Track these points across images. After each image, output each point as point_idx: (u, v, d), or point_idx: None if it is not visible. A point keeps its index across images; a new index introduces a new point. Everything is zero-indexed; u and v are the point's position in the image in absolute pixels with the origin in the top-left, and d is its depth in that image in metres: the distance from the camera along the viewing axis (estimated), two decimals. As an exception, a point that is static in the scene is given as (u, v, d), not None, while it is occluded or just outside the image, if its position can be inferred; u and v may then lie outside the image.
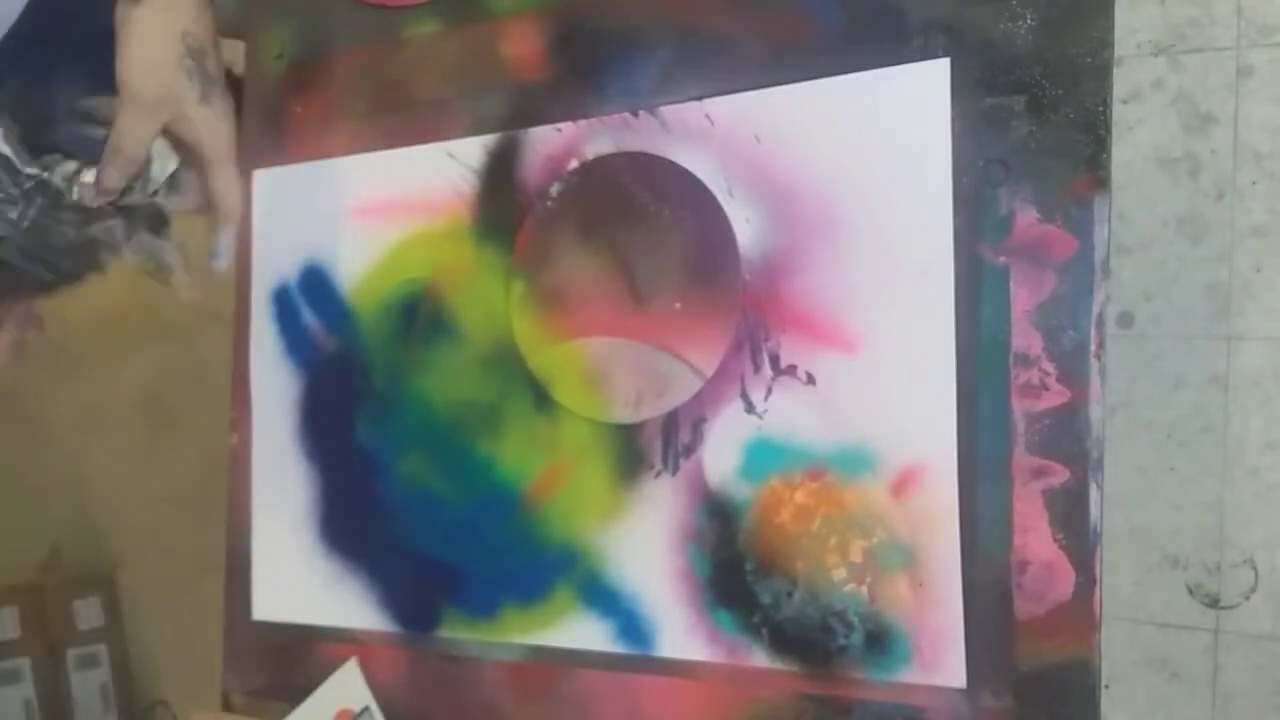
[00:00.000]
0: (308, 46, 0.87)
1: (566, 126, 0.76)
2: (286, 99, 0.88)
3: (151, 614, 2.09)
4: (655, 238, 0.73)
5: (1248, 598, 1.32)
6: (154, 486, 2.10)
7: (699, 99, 0.72)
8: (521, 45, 0.77)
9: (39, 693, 1.96)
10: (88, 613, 2.05)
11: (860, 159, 0.67)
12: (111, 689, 2.05)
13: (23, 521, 2.23)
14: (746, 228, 0.70)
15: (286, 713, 0.81)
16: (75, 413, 2.20)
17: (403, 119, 0.80)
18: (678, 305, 0.72)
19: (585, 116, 0.74)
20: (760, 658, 0.68)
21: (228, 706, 0.87)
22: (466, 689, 0.78)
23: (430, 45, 0.81)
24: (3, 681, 1.94)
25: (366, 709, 0.80)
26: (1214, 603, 1.33)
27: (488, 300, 0.79)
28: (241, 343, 0.88)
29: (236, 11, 0.93)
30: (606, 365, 0.74)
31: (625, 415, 0.73)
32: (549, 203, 0.76)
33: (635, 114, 0.74)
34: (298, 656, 0.85)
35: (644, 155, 0.73)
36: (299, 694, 0.82)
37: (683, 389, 0.72)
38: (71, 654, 2.01)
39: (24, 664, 1.96)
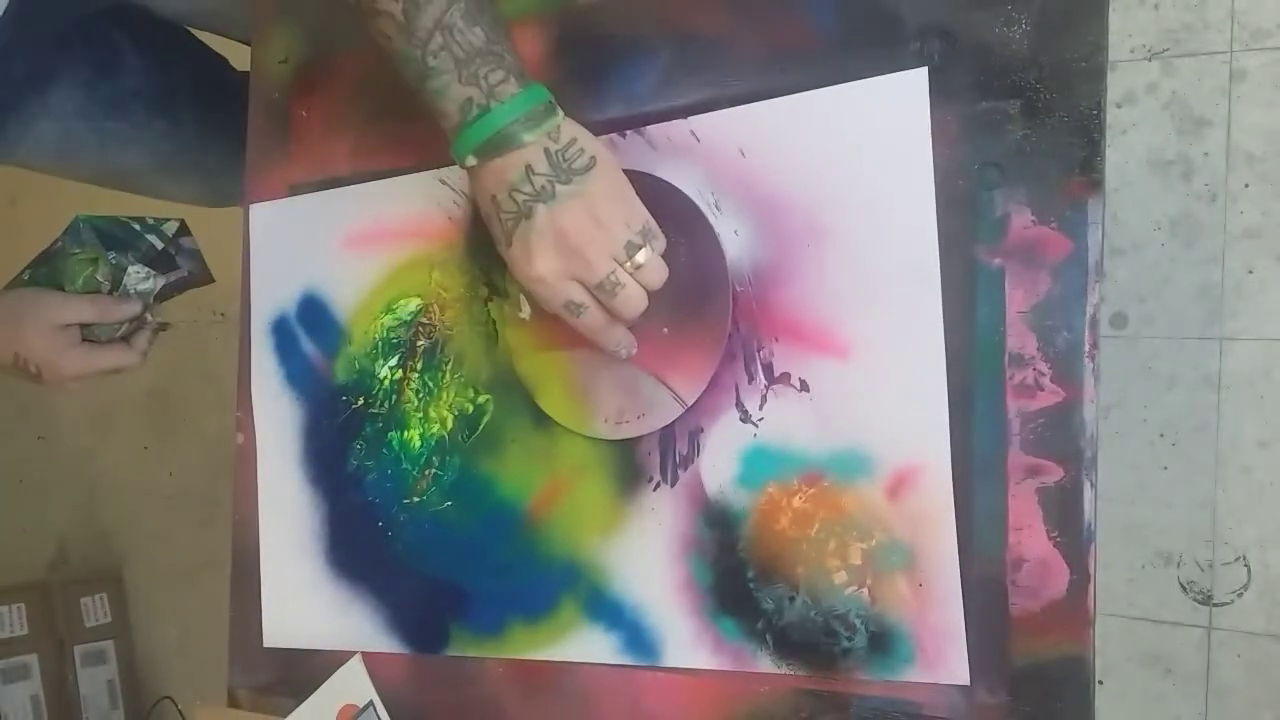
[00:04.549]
0: (312, 51, 0.88)
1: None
2: (291, 103, 0.88)
3: (158, 611, 2.10)
4: None
5: (1240, 595, 1.32)
6: (161, 485, 2.10)
7: (692, 110, 0.72)
8: (524, 50, 0.77)
9: (47, 689, 1.96)
10: (95, 610, 2.05)
11: (845, 169, 0.67)
12: (118, 685, 2.05)
13: (31, 520, 2.23)
14: (735, 240, 0.71)
15: (291, 709, 0.81)
16: (83, 414, 2.20)
17: (406, 123, 0.80)
18: (665, 331, 0.72)
19: (585, 121, 0.74)
20: (765, 664, 0.69)
21: (233, 702, 0.87)
22: (469, 685, 0.78)
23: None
24: (11, 678, 1.94)
25: (370, 705, 0.80)
26: (1207, 600, 1.34)
27: (483, 321, 0.79)
28: (244, 375, 0.89)
29: (241, 14, 0.93)
30: (591, 379, 0.74)
31: (605, 431, 0.74)
32: None
33: (623, 134, 0.74)
34: (302, 653, 0.85)
35: (636, 173, 0.72)
36: (303, 690, 0.82)
37: (663, 413, 0.72)
38: (79, 650, 2.01)
39: (32, 660, 1.96)
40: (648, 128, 0.73)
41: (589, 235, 0.64)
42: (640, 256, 0.65)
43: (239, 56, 0.99)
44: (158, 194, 1.08)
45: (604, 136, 0.74)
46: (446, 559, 0.80)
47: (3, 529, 2.25)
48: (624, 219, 0.65)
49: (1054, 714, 0.62)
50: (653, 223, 0.67)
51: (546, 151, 0.64)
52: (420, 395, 0.81)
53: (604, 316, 0.67)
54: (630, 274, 0.65)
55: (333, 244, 0.85)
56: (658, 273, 0.67)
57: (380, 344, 0.83)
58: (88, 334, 0.90)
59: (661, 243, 0.67)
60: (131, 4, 0.97)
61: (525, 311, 0.76)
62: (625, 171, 0.68)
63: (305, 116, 0.87)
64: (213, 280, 0.97)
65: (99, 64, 0.95)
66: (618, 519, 0.74)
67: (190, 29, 1.06)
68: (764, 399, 0.69)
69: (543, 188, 0.63)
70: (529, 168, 0.63)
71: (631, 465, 0.73)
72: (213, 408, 2.00)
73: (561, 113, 0.65)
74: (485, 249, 0.78)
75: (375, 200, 0.83)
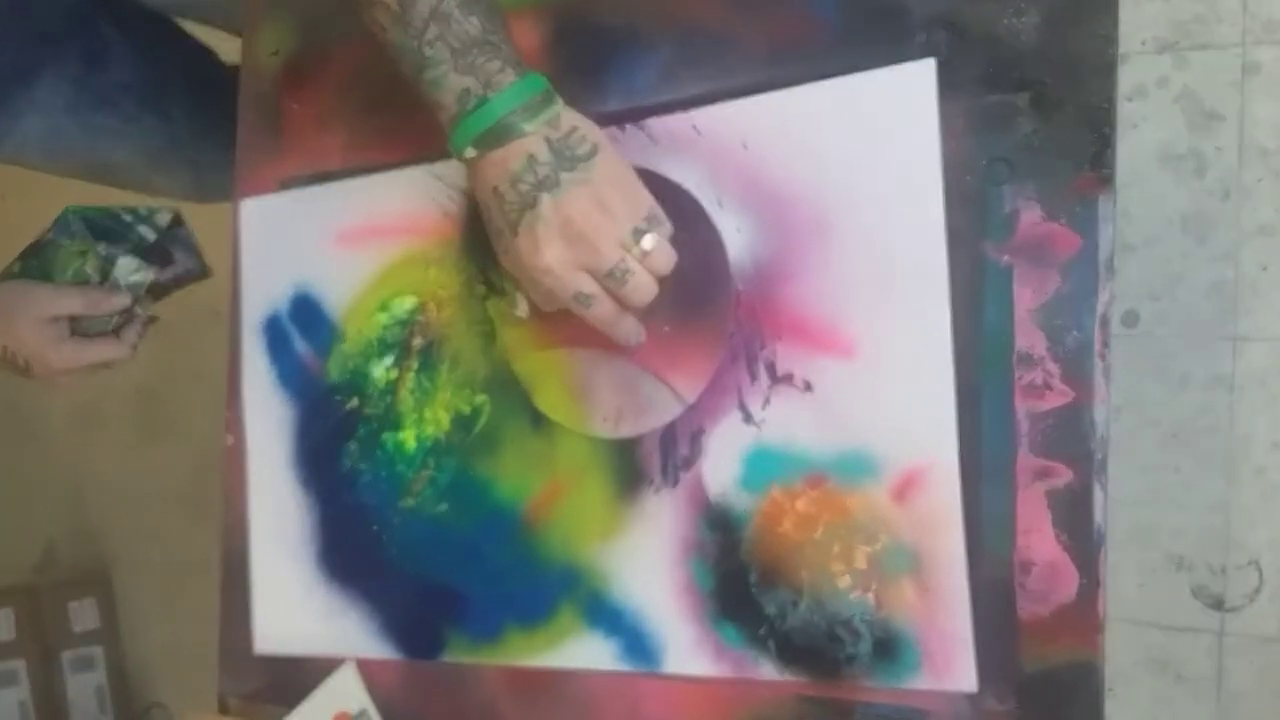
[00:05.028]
0: (304, 44, 0.87)
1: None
2: (282, 96, 0.87)
3: (148, 616, 2.09)
4: None
5: (1252, 600, 1.31)
6: (150, 486, 2.09)
7: (693, 103, 0.71)
8: (522, 42, 0.76)
9: (35, 695, 1.96)
10: (83, 614, 2.05)
11: (849, 163, 0.66)
12: (107, 692, 2.05)
13: (18, 522, 2.23)
14: (738, 237, 0.70)
15: (283, 715, 0.81)
16: (71, 411, 2.20)
17: (400, 116, 0.79)
18: (666, 329, 0.71)
19: (584, 114, 0.73)
20: (768, 670, 0.68)
21: (224, 709, 0.87)
22: (465, 692, 0.78)
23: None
24: (-1, 684, 1.95)
25: (364, 712, 0.79)
26: (1218, 605, 1.33)
27: (480, 320, 0.78)
28: (234, 374, 0.88)
29: (232, 5, 0.93)
30: (590, 378, 0.74)
31: (604, 430, 0.73)
32: None
33: (622, 128, 0.73)
34: (294, 659, 0.84)
35: (638, 170, 0.71)
36: (296, 697, 0.81)
37: (663, 412, 0.71)
38: (67, 656, 2.01)
39: (19, 666, 1.96)
40: (648, 121, 0.73)
41: (595, 223, 0.63)
42: (647, 242, 0.64)
43: (229, 49, 0.98)
44: (147, 189, 1.08)
45: (603, 130, 0.73)
46: (442, 563, 0.79)
47: (-11, 530, 2.26)
48: (629, 205, 0.65)
49: (1064, 722, 0.61)
50: (658, 208, 0.66)
51: (548, 140, 0.63)
52: (415, 395, 0.80)
53: (613, 307, 0.66)
54: (638, 260, 0.64)
55: (325, 240, 0.84)
56: (666, 258, 0.66)
57: (375, 343, 0.82)
58: (77, 327, 0.89)
59: (667, 228, 0.67)
60: None
61: (522, 309, 0.75)
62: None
63: (297, 110, 0.86)
64: (211, 274, 0.97)
65: (86, 58, 0.95)
66: (617, 522, 0.73)
67: (180, 21, 1.05)
68: (767, 399, 0.68)
69: (546, 176, 0.63)
70: (531, 157, 0.63)
71: (631, 467, 0.72)
72: (203, 407, 1.99)
73: (560, 100, 0.65)
74: (482, 246, 0.77)
75: (369, 196, 0.82)
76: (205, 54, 1.09)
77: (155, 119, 1.01)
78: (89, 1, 0.94)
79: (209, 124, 1.02)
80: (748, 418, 0.69)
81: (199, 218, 1.01)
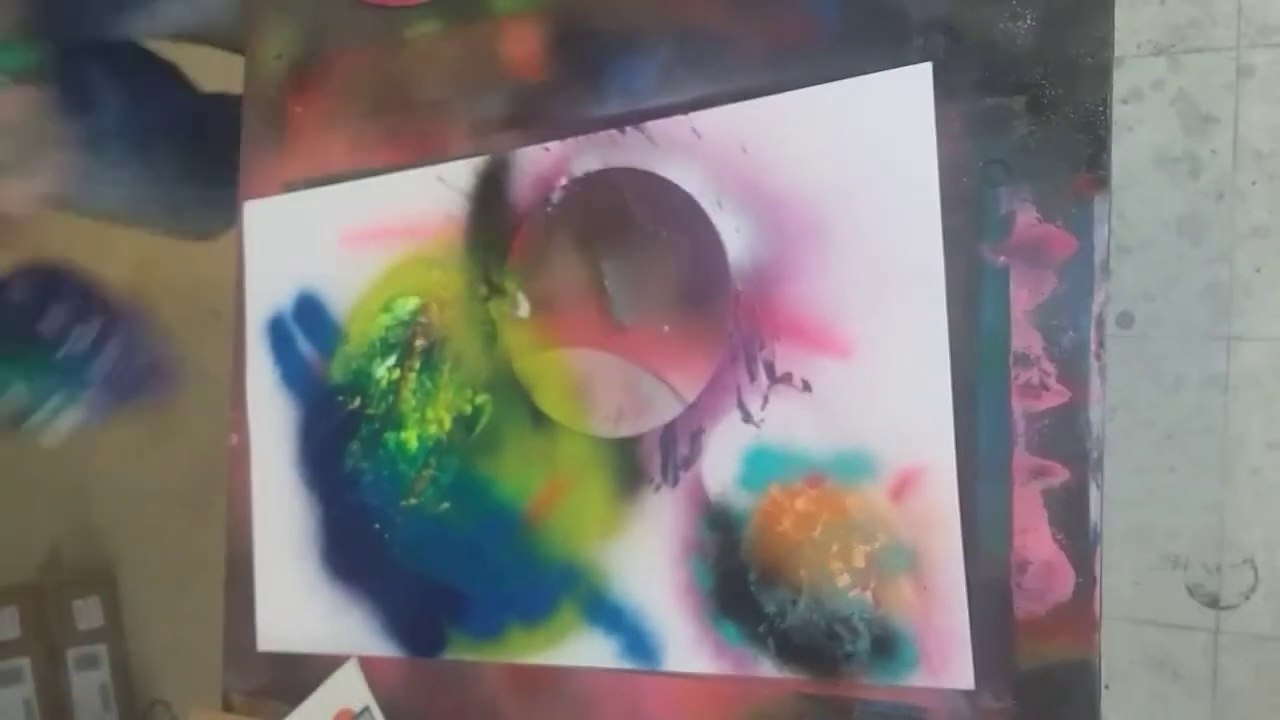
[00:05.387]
0: (307, 47, 0.87)
1: (554, 145, 0.76)
2: (286, 100, 0.87)
3: (152, 614, 2.09)
4: (646, 258, 0.72)
5: (1248, 598, 1.32)
6: (155, 486, 2.09)
7: (693, 106, 0.71)
8: (522, 45, 0.77)
9: (39, 693, 1.95)
10: (88, 613, 2.04)
11: (848, 165, 0.67)
12: (111, 689, 2.04)
13: (23, 521, 2.22)
14: (737, 238, 0.70)
15: (286, 713, 0.81)
16: (75, 411, 2.19)
17: (402, 119, 0.80)
18: (665, 328, 0.72)
19: (584, 117, 0.74)
20: (767, 668, 0.68)
21: (227, 706, 0.87)
22: (467, 689, 0.78)
23: (430, 45, 0.81)
24: (3, 682, 1.93)
25: (366, 709, 0.79)
26: (1214, 603, 1.33)
27: (481, 321, 0.79)
28: (239, 375, 0.88)
29: (234, 17, 0.93)
30: (590, 377, 0.74)
31: (604, 429, 0.73)
32: (549, 209, 0.76)
33: (622, 131, 0.73)
34: (298, 657, 0.84)
35: (639, 172, 0.72)
36: (299, 694, 0.81)
37: (663, 411, 0.72)
38: (71, 654, 2.00)
39: (24, 664, 1.95)
40: (648, 124, 0.73)
41: None
42: None
43: (231, 66, 0.98)
44: (135, 227, 1.08)
45: (604, 133, 0.73)
46: (444, 561, 0.79)
47: (-6, 529, 2.25)
48: None
49: (1060, 718, 0.61)
50: None
51: None
52: (417, 395, 0.81)
53: None
54: None
55: (329, 242, 0.84)
56: None
57: (378, 343, 0.82)
58: None
59: None
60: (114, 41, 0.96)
61: (523, 309, 0.75)
62: (625, 170, 0.67)
63: (300, 113, 0.87)
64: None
65: (75, 102, 0.93)
66: (618, 521, 0.73)
67: (181, 43, 1.05)
68: (766, 399, 0.69)
69: None
70: None
71: (632, 466, 0.73)
72: (205, 408, 1.99)
73: None
74: (485, 247, 0.78)
75: (372, 198, 0.83)
76: (195, 98, 1.09)
77: (140, 164, 1.01)
78: (75, 44, 0.94)
79: (193, 166, 1.02)
80: (747, 417, 0.69)
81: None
